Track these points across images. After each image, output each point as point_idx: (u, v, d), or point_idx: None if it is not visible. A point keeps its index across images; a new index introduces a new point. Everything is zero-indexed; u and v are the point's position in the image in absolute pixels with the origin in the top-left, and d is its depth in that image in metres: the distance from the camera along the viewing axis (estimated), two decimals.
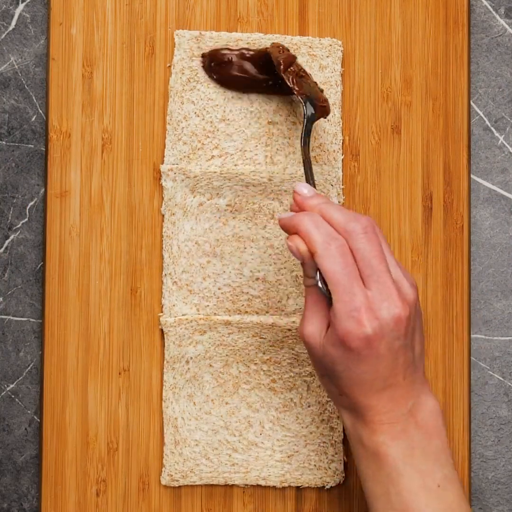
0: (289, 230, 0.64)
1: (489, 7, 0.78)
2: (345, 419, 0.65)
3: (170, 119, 0.74)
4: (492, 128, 0.77)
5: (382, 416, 0.63)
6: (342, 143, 0.74)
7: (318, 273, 0.63)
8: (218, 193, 0.73)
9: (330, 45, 0.74)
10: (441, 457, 0.63)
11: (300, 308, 0.73)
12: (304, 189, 0.65)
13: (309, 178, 0.67)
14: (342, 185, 0.74)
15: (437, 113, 0.75)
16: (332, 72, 0.74)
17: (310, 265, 0.64)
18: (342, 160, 0.74)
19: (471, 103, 0.77)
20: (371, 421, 0.63)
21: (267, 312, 0.73)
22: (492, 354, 0.77)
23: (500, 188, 0.77)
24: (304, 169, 0.67)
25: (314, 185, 0.67)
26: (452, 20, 0.75)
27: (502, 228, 0.77)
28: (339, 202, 0.74)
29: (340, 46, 0.74)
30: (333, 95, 0.74)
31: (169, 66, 0.74)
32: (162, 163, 0.74)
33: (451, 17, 0.75)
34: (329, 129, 0.74)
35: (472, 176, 0.77)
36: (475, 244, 0.77)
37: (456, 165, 0.75)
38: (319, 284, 0.63)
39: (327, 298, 0.63)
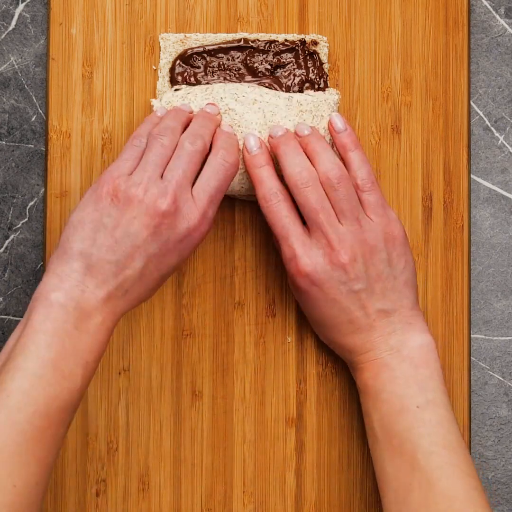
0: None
1: (489, 7, 0.78)
2: (348, 366, 0.70)
3: None
4: (492, 128, 0.77)
5: (363, 356, 0.67)
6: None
7: None
8: None
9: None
10: (426, 384, 0.65)
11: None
12: (280, 131, 0.69)
13: None
14: None
15: (437, 113, 0.75)
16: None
17: None
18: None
19: (471, 103, 0.77)
20: (356, 362, 0.68)
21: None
22: (492, 354, 0.77)
23: (500, 188, 0.77)
24: None
25: None
26: (452, 20, 0.75)
27: (502, 228, 0.77)
28: None
29: (325, 42, 0.74)
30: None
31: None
32: None
33: (451, 17, 0.75)
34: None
35: (472, 176, 0.77)
36: (475, 244, 0.77)
37: (456, 165, 0.75)
38: None
39: None
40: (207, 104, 0.69)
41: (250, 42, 0.74)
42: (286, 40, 0.74)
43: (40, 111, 0.75)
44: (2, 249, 0.75)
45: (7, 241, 0.75)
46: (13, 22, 0.75)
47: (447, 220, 0.75)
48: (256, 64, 0.73)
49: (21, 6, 0.75)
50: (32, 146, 0.75)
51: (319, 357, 0.74)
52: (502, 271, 0.77)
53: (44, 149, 0.75)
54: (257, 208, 0.74)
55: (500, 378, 0.76)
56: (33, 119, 0.75)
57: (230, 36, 0.74)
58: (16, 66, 0.75)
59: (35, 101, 0.75)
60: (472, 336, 0.76)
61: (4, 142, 0.75)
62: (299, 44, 0.74)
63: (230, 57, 0.74)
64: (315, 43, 0.74)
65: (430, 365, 0.66)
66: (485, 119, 0.77)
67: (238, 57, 0.74)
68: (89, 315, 0.61)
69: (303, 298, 0.68)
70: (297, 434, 0.74)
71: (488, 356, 0.77)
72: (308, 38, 0.74)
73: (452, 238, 0.75)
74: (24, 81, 0.75)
